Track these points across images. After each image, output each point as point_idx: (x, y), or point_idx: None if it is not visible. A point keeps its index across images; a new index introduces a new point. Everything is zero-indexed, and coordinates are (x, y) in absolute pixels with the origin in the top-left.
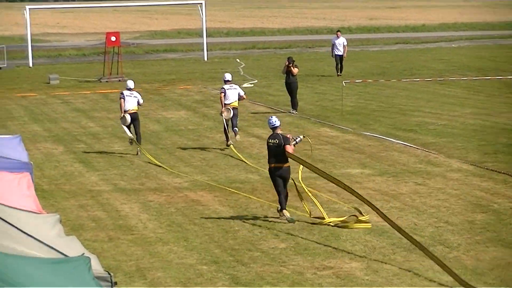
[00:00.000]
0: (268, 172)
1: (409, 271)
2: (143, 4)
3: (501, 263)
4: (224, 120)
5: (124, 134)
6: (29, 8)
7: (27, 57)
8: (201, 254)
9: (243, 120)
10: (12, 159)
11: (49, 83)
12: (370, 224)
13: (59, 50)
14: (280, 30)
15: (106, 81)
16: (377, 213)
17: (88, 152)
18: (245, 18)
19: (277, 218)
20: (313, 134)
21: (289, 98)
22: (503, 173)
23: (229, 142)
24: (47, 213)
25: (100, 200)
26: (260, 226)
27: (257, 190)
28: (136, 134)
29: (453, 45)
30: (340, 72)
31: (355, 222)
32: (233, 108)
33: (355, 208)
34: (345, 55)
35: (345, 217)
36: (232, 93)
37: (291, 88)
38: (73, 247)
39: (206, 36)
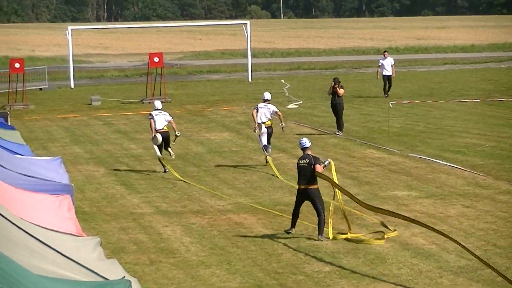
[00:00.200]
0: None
1: None
2: (187, 25)
3: None
4: (259, 136)
5: (154, 153)
6: (71, 29)
7: (68, 78)
8: (244, 277)
9: (288, 142)
10: (52, 181)
11: (90, 104)
12: (383, 241)
13: (101, 71)
14: (326, 51)
15: (149, 102)
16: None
17: (130, 174)
18: (290, 38)
19: (321, 241)
20: (359, 156)
21: (335, 120)
22: None
23: (267, 155)
24: (88, 235)
25: (141, 223)
26: (304, 249)
27: (302, 213)
28: (165, 148)
29: (502, 66)
30: (388, 91)
31: (377, 238)
32: (267, 127)
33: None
34: (393, 74)
35: (370, 233)
36: (265, 113)
37: (337, 109)
38: (113, 270)
39: (251, 57)
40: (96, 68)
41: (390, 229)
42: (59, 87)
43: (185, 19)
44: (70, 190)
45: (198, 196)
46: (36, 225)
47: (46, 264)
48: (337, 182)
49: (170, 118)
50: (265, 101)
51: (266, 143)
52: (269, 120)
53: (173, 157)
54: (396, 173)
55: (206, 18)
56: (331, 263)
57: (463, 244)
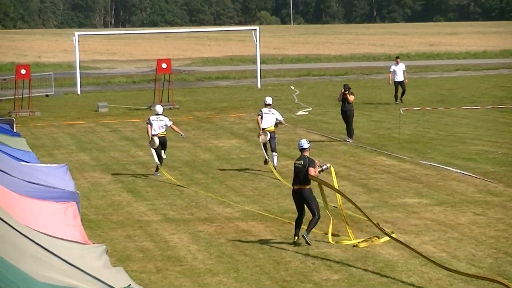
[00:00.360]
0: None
1: None
2: (195, 31)
3: None
4: (262, 143)
5: (151, 156)
6: (78, 35)
7: (75, 85)
8: (251, 285)
9: (297, 149)
10: (58, 188)
11: (97, 111)
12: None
13: (108, 77)
14: (336, 57)
15: None
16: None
17: (137, 182)
18: (300, 44)
19: (330, 248)
20: (369, 163)
21: (345, 126)
22: None
23: (267, 160)
24: (94, 243)
25: (148, 231)
26: (312, 257)
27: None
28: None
29: None
30: (402, 96)
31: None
32: (270, 132)
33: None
34: (406, 80)
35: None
36: (270, 118)
37: (347, 116)
38: (119, 279)
39: (260, 63)
40: (103, 75)
41: (387, 232)
42: (66, 94)
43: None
44: (76, 198)
45: (206, 204)
46: (42, 232)
47: (52, 272)
48: (337, 187)
49: (169, 123)
50: (267, 105)
51: (272, 150)
52: (272, 126)
53: (165, 157)
54: (407, 180)
55: (215, 24)
56: (340, 271)
57: (428, 256)
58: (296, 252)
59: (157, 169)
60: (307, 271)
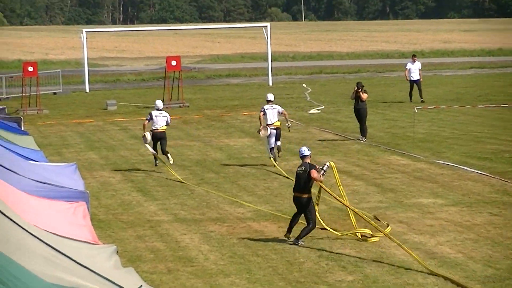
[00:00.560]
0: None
1: None
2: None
3: None
4: (266, 138)
5: (146, 151)
6: (86, 31)
7: (83, 82)
8: (264, 287)
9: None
10: (67, 187)
11: (106, 109)
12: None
13: (117, 74)
14: (349, 54)
15: (166, 107)
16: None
17: (147, 181)
18: (312, 41)
19: (344, 248)
20: (383, 162)
21: (358, 125)
22: None
23: (270, 156)
24: (104, 243)
25: (159, 231)
26: (326, 257)
27: (324, 221)
28: (162, 152)
29: None
30: (421, 97)
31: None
32: (276, 128)
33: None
34: (421, 79)
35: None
36: (273, 113)
37: (360, 114)
38: (130, 279)
39: (271, 61)
40: (111, 72)
41: (384, 223)
42: (74, 92)
43: (203, 22)
44: (85, 197)
45: (217, 203)
46: (51, 232)
47: (61, 272)
48: (339, 183)
49: (169, 119)
50: (269, 102)
51: (273, 145)
52: (277, 120)
53: (172, 162)
54: (421, 180)
55: (225, 21)
56: (354, 272)
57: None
58: (310, 253)
59: (156, 159)
60: (321, 272)
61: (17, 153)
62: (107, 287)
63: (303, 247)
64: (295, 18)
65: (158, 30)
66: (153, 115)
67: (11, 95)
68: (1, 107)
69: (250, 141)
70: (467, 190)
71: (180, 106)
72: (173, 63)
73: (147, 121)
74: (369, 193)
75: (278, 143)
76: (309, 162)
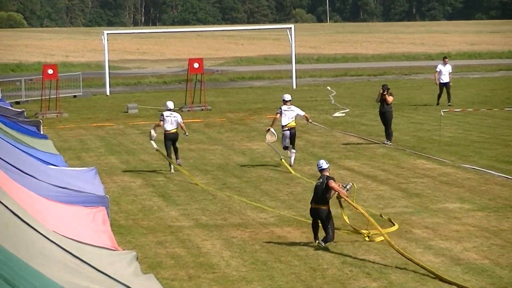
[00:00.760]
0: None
1: None
2: (228, 29)
3: None
4: (269, 143)
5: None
6: (107, 33)
7: (104, 85)
8: None
9: (334, 152)
10: (87, 192)
11: (127, 112)
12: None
13: (138, 77)
14: (374, 56)
15: (188, 110)
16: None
17: (168, 186)
18: (336, 43)
19: (369, 255)
20: (409, 166)
21: (383, 128)
22: None
23: (281, 157)
24: (124, 250)
25: (180, 236)
26: (350, 264)
27: (348, 227)
28: (175, 153)
29: None
30: (449, 100)
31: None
32: (290, 129)
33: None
34: (451, 83)
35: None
36: (290, 115)
37: (385, 117)
38: (150, 286)
39: (295, 63)
40: (133, 75)
41: (393, 223)
42: (94, 95)
43: (226, 23)
44: (105, 202)
45: (239, 209)
46: (70, 238)
47: (80, 279)
48: (354, 204)
49: (180, 120)
50: (286, 102)
51: (288, 145)
52: (293, 121)
53: (173, 171)
54: (448, 184)
55: (249, 22)
56: (379, 279)
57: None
58: (333, 259)
59: (170, 164)
60: (345, 278)
61: (36, 157)
62: None
63: (327, 252)
64: (319, 20)
65: (180, 32)
66: (165, 115)
67: (30, 98)
68: (20, 110)
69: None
70: (494, 195)
71: (202, 109)
72: (196, 65)
73: (161, 122)
74: (394, 198)
75: (294, 151)
76: (328, 175)
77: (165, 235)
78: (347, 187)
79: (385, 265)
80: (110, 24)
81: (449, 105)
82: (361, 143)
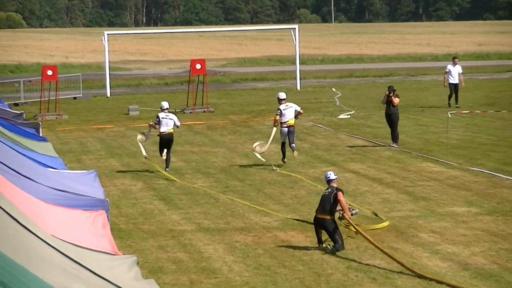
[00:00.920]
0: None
1: None
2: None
3: None
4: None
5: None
6: (107, 34)
7: (104, 87)
8: None
9: (339, 154)
10: (87, 196)
11: (128, 114)
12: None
13: (139, 78)
14: (380, 57)
15: (190, 112)
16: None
17: (169, 189)
18: (341, 44)
19: (374, 259)
20: (415, 169)
21: (389, 131)
22: None
23: (285, 160)
24: (124, 254)
25: (181, 241)
26: (355, 269)
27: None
28: (166, 154)
29: None
30: (456, 102)
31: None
32: (289, 126)
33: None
34: (463, 84)
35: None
36: (289, 112)
37: (391, 119)
38: None
39: (299, 64)
40: (134, 76)
41: (382, 219)
42: (95, 96)
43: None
44: (105, 206)
45: (242, 212)
46: (69, 243)
47: (79, 284)
48: (357, 227)
49: (177, 122)
50: (281, 100)
51: (290, 144)
52: (292, 118)
53: (170, 173)
54: (455, 188)
55: (252, 23)
56: (384, 284)
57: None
58: (338, 264)
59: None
60: (350, 284)
61: (35, 160)
62: None
63: (332, 256)
64: (324, 20)
65: (182, 32)
66: (160, 117)
67: (29, 100)
68: (19, 112)
69: (276, 147)
70: (503, 198)
71: (204, 111)
72: (198, 66)
73: (156, 125)
74: (400, 202)
75: (294, 145)
76: (336, 186)
77: (166, 239)
78: (353, 211)
79: (391, 270)
80: (111, 24)
81: (456, 106)
82: (367, 146)
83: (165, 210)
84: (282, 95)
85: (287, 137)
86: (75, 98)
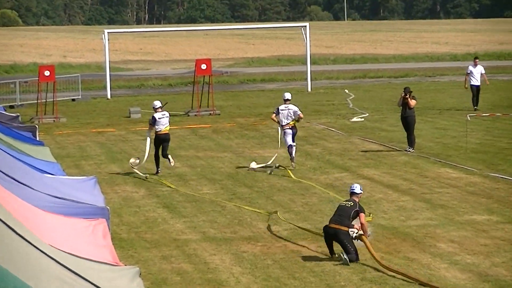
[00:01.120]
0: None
1: None
2: (238, 28)
3: None
4: (285, 139)
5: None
6: (108, 32)
7: (104, 88)
8: None
9: (352, 159)
10: (86, 203)
11: (129, 117)
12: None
13: (141, 79)
14: (396, 57)
15: (195, 115)
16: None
17: (173, 196)
18: (354, 43)
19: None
20: (433, 175)
21: (405, 134)
22: None
23: (293, 164)
24: (125, 265)
25: (186, 251)
26: (370, 280)
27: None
28: (163, 155)
29: None
30: (476, 105)
31: None
32: (292, 127)
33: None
34: (487, 82)
35: None
36: (288, 114)
37: (407, 122)
38: None
39: (310, 64)
40: (136, 77)
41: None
42: (94, 98)
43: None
44: (106, 214)
45: (250, 221)
46: (67, 253)
47: None
48: (371, 249)
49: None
50: (285, 101)
51: (290, 143)
52: (292, 120)
53: (173, 164)
54: (475, 195)
55: (260, 21)
56: None
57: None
58: (351, 276)
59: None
60: None
61: (31, 165)
62: None
63: (344, 267)
64: (336, 17)
65: (187, 30)
66: (156, 117)
67: (26, 102)
68: (14, 115)
69: (286, 152)
70: None
71: (210, 114)
72: (203, 66)
73: (151, 126)
74: (417, 210)
75: (294, 144)
76: (358, 201)
77: (170, 249)
78: (368, 233)
79: (407, 281)
80: (111, 22)
81: (475, 109)
82: (382, 150)
83: (168, 218)
84: (286, 96)
85: (291, 136)
86: (73, 100)
